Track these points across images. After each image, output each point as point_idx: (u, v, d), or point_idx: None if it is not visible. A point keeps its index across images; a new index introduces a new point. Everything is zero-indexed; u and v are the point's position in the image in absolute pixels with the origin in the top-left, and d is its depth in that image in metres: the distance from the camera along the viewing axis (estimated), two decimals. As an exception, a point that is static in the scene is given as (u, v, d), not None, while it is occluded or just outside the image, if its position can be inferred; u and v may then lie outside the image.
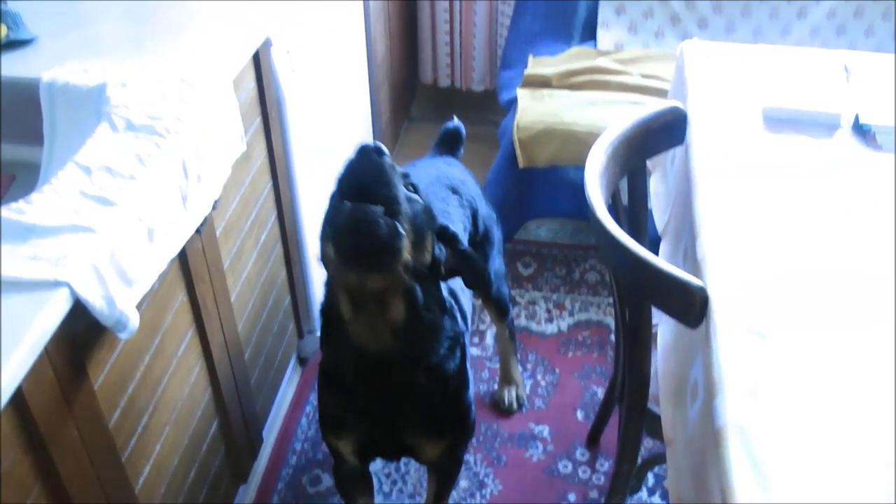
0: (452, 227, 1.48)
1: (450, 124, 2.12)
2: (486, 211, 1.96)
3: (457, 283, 1.61)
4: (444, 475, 1.81)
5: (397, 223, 1.25)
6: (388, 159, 1.26)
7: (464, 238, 1.71)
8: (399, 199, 1.26)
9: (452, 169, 1.97)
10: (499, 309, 2.19)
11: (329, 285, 1.44)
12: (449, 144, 2.11)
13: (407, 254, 1.28)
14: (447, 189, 1.85)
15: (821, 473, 1.00)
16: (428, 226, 1.36)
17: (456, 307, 1.59)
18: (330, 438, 1.67)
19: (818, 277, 1.29)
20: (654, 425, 1.58)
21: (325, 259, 1.33)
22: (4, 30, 1.66)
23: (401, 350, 1.41)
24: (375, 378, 1.46)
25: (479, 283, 1.54)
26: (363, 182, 1.25)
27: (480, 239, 1.92)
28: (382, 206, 1.24)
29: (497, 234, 2.03)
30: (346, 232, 1.25)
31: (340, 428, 1.62)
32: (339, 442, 1.64)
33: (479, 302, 2.30)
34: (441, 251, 1.43)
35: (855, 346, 1.18)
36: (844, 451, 1.03)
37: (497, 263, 2.06)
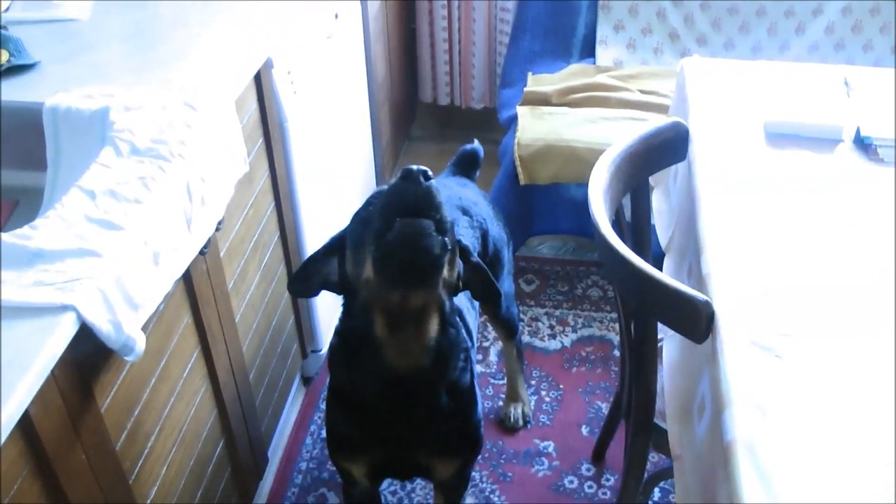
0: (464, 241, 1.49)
1: (468, 146, 2.14)
2: (496, 232, 1.97)
3: (462, 301, 1.61)
4: (451, 492, 1.80)
5: (445, 238, 1.28)
6: (434, 182, 1.26)
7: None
8: (447, 218, 1.28)
9: (465, 190, 1.97)
10: (507, 328, 2.20)
11: (351, 308, 1.42)
12: (465, 166, 2.12)
13: (445, 269, 1.31)
14: (457, 209, 1.86)
15: (830, 488, 1.00)
16: (455, 241, 1.39)
17: (461, 323, 1.59)
18: (342, 462, 1.65)
19: (823, 291, 1.29)
20: (660, 440, 1.58)
21: (360, 282, 1.34)
22: (6, 55, 1.67)
23: (429, 367, 1.42)
24: (399, 398, 1.45)
25: (490, 293, 1.54)
26: (415, 205, 1.25)
27: (490, 260, 1.93)
28: (432, 222, 1.25)
29: (508, 255, 2.03)
30: (400, 247, 1.25)
31: (354, 451, 1.61)
32: (352, 465, 1.63)
33: (483, 319, 2.30)
34: (460, 265, 1.44)
35: (861, 359, 1.18)
36: (854, 465, 1.03)
37: (507, 284, 2.07)
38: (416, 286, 1.32)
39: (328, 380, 1.64)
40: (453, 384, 1.50)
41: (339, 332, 1.51)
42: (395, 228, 1.24)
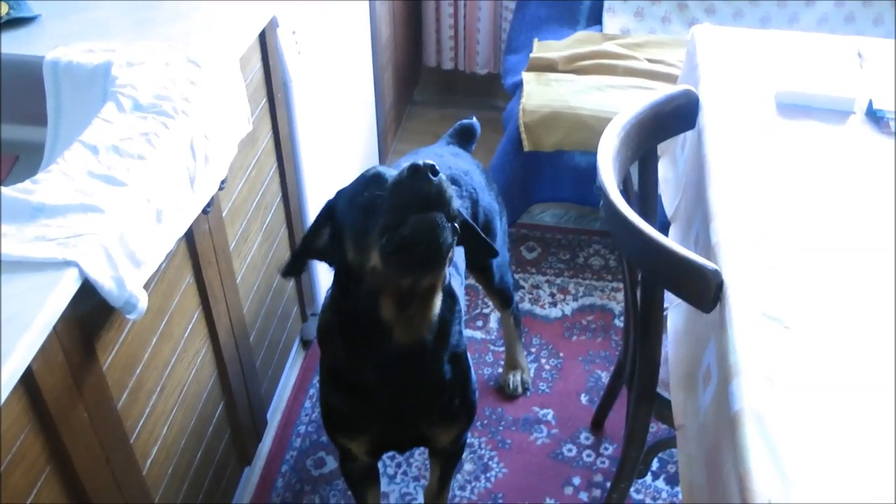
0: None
1: (466, 121, 2.13)
2: (488, 202, 1.95)
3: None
4: (449, 458, 1.81)
5: (455, 224, 1.27)
6: (442, 177, 1.24)
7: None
8: (456, 209, 1.27)
9: (457, 160, 1.95)
10: (503, 298, 2.19)
11: (348, 290, 1.40)
12: (461, 138, 2.11)
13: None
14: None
15: (838, 459, 0.99)
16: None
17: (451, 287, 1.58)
18: (342, 440, 1.65)
19: (833, 263, 1.28)
20: (662, 410, 1.58)
21: (364, 268, 1.32)
22: (6, 8, 1.64)
23: (432, 339, 1.42)
24: (404, 373, 1.44)
25: (484, 249, 1.54)
26: (427, 201, 1.23)
27: (481, 230, 1.90)
28: (443, 214, 1.24)
29: (500, 225, 2.02)
30: (418, 243, 1.24)
31: (354, 430, 1.61)
32: (352, 443, 1.63)
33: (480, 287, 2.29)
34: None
35: (871, 331, 1.17)
36: (862, 436, 1.02)
37: (501, 254, 2.05)
38: (428, 272, 1.32)
39: (321, 359, 1.62)
40: (453, 350, 1.51)
41: (333, 312, 1.48)
42: (409, 224, 1.23)
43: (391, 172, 1.32)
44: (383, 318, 1.36)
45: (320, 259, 1.46)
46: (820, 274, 1.26)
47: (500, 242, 2.03)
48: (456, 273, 1.72)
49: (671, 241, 1.25)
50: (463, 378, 1.58)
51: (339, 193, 1.44)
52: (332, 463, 2.13)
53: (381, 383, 1.47)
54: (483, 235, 1.52)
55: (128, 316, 1.16)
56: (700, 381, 1.30)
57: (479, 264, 2.04)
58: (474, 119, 2.14)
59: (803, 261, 1.28)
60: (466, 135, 2.12)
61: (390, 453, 2.13)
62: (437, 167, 1.23)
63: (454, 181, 1.85)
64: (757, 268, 1.25)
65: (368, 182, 1.34)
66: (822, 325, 1.17)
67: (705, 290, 1.20)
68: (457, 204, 1.28)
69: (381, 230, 1.26)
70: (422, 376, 1.47)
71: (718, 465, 1.09)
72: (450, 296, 1.46)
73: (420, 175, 1.22)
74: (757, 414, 1.03)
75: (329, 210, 1.43)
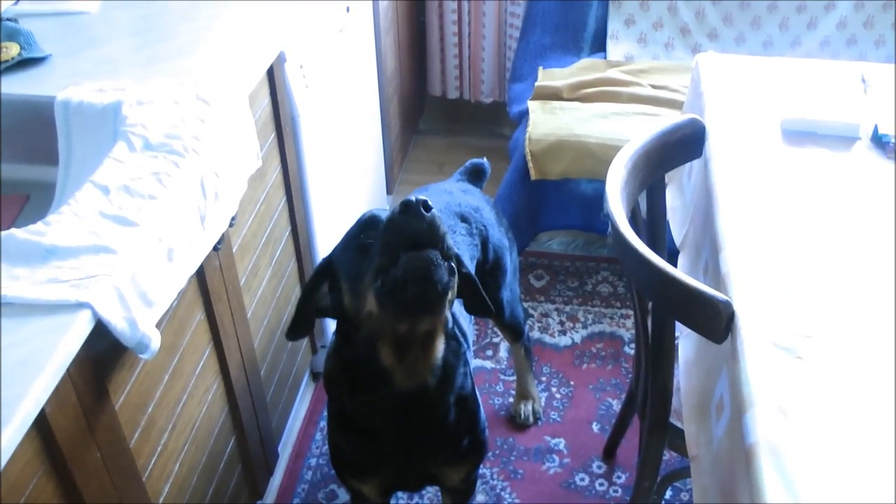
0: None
1: (477, 160, 2.15)
2: (498, 238, 1.94)
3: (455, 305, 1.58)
4: (460, 495, 1.79)
5: (451, 263, 1.25)
6: (435, 213, 1.22)
7: (470, 266, 1.69)
8: (451, 246, 1.25)
9: (467, 196, 1.95)
10: (513, 332, 2.19)
11: (350, 338, 1.38)
12: (471, 175, 2.12)
13: (451, 291, 1.28)
14: (456, 217, 1.83)
15: (853, 490, 0.99)
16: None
17: (455, 327, 1.56)
18: (352, 483, 1.64)
19: (843, 291, 1.28)
20: (675, 440, 1.57)
21: (361, 314, 1.30)
22: (17, 49, 1.66)
23: (437, 382, 1.40)
24: (409, 417, 1.43)
25: (482, 306, 1.51)
26: (420, 238, 1.21)
27: (490, 267, 1.90)
28: (438, 252, 1.22)
29: (510, 261, 2.01)
30: (410, 283, 1.21)
31: (364, 473, 1.59)
32: (362, 486, 1.62)
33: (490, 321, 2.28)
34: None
35: (884, 360, 1.16)
36: (878, 469, 1.02)
37: (509, 291, 2.04)
38: (426, 315, 1.29)
39: (328, 405, 1.61)
40: (458, 393, 1.49)
41: (338, 360, 1.47)
42: (402, 263, 1.20)
43: (386, 214, 1.29)
44: (383, 365, 1.34)
45: (324, 315, 1.44)
46: (831, 302, 1.26)
47: (511, 277, 2.03)
48: (464, 314, 1.71)
49: (681, 273, 1.25)
50: (471, 418, 1.56)
51: (336, 246, 1.41)
52: (343, 496, 2.12)
53: (386, 427, 1.45)
54: (483, 293, 1.49)
55: (140, 356, 1.17)
56: (713, 412, 1.29)
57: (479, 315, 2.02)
58: (485, 160, 2.16)
59: (814, 290, 1.28)
60: (477, 173, 2.13)
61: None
62: (430, 202, 1.21)
63: (463, 218, 1.85)
64: (767, 298, 1.25)
65: (363, 226, 1.33)
66: (835, 354, 1.17)
67: (716, 322, 1.19)
68: (452, 242, 1.25)
69: (375, 272, 1.24)
70: (427, 420, 1.45)
71: (734, 497, 1.08)
72: (453, 338, 1.44)
73: (412, 211, 1.20)
74: (772, 446, 1.02)
75: (326, 264, 1.41)
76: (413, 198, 1.20)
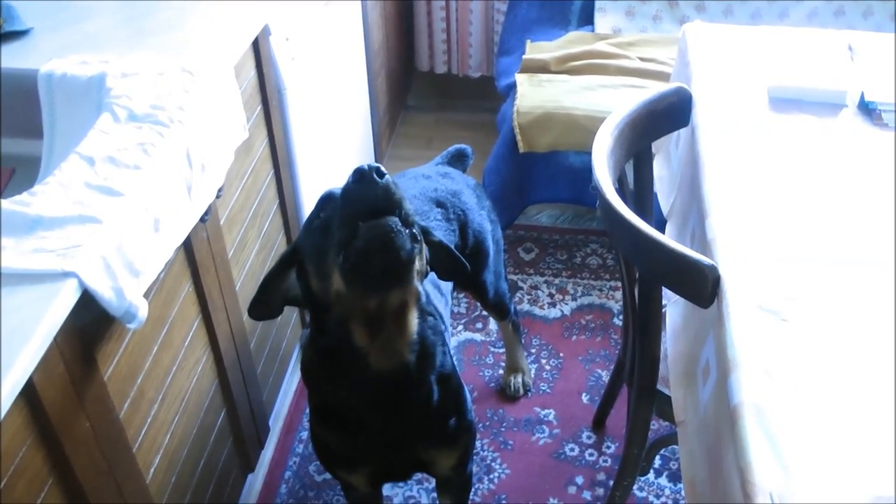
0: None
1: (459, 146, 2.14)
2: (478, 222, 1.91)
3: (427, 283, 1.54)
4: (457, 492, 1.79)
5: (413, 230, 1.23)
6: (389, 178, 1.19)
7: None
8: (410, 211, 1.22)
9: (446, 180, 1.92)
10: (499, 311, 2.19)
11: (322, 324, 1.35)
12: (453, 160, 2.11)
13: (417, 260, 1.26)
14: (431, 202, 1.81)
15: (838, 450, 1.00)
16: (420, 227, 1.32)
17: (431, 305, 1.54)
18: (341, 474, 1.62)
19: (828, 256, 1.29)
20: (663, 407, 1.58)
21: (329, 295, 1.27)
22: None
23: (415, 361, 1.37)
24: (391, 400, 1.40)
25: (457, 269, 1.47)
26: (376, 205, 1.18)
27: (470, 251, 1.88)
28: (397, 218, 1.19)
29: (492, 243, 1.98)
30: (372, 252, 1.18)
31: (351, 464, 1.57)
32: (350, 477, 1.60)
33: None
34: (426, 249, 1.38)
35: (867, 322, 1.17)
36: (861, 427, 1.03)
37: (492, 273, 2.03)
38: (393, 285, 1.26)
39: (308, 398, 1.59)
40: (439, 371, 1.46)
41: (314, 349, 1.44)
42: (360, 234, 1.18)
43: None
44: (358, 346, 1.31)
45: (294, 304, 1.41)
46: (816, 266, 1.27)
47: (493, 259, 2.01)
48: (439, 294, 1.69)
49: (668, 238, 1.26)
50: (455, 398, 1.53)
51: (300, 232, 1.38)
52: (335, 468, 2.13)
53: (369, 414, 1.43)
54: (457, 254, 1.46)
55: (128, 325, 1.17)
56: (699, 377, 1.30)
57: (463, 284, 2.00)
58: (468, 147, 2.15)
59: (799, 254, 1.29)
60: (459, 157, 2.11)
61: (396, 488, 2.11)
62: (383, 169, 1.19)
63: (439, 203, 1.82)
64: (753, 262, 1.26)
65: (322, 204, 1.30)
66: (820, 317, 1.18)
67: (703, 286, 1.20)
68: (410, 206, 1.23)
69: (337, 247, 1.21)
70: (410, 402, 1.42)
71: (719, 460, 1.10)
72: (430, 314, 1.41)
73: (365, 178, 1.18)
74: (756, 406, 1.03)
75: (291, 251, 1.38)
76: (365, 165, 1.18)
